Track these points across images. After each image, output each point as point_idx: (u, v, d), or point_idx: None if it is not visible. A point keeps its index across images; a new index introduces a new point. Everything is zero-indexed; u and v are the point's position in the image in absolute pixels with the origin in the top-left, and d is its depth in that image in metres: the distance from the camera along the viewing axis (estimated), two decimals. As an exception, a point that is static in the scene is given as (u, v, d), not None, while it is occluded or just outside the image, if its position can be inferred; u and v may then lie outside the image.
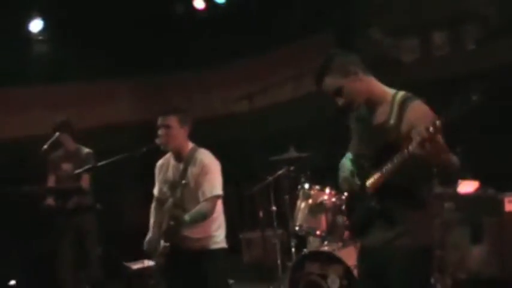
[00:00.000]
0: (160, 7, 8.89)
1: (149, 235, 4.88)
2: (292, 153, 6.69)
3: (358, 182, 3.53)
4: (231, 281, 7.41)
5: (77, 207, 6.82)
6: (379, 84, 3.50)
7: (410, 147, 3.08)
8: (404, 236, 3.36)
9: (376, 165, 3.37)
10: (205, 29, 8.99)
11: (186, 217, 4.53)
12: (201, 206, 4.61)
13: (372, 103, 3.46)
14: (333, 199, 6.04)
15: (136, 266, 6.91)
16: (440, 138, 3.03)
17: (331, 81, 3.43)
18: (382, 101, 3.43)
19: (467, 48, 7.45)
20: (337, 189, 6.13)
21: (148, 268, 6.58)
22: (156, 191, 5.00)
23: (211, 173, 4.69)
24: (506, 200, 5.85)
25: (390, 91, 3.45)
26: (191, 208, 4.63)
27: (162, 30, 9.18)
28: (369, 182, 3.42)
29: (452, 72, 7.15)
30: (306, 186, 6.23)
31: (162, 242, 4.69)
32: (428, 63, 7.67)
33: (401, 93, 3.41)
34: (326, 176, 7.27)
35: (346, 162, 3.72)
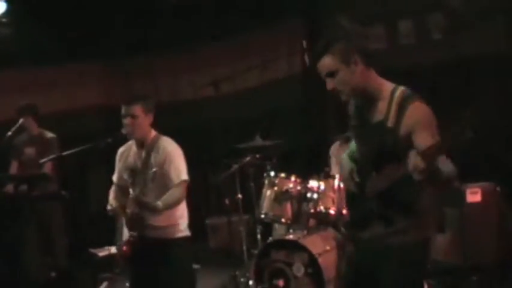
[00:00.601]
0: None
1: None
2: (258, 141, 6.68)
3: (357, 180, 3.48)
4: (196, 266, 7.45)
5: (42, 195, 6.77)
6: (379, 78, 3.38)
7: (409, 169, 3.09)
8: (397, 234, 3.36)
9: (374, 165, 3.34)
10: (174, 13, 8.91)
11: (159, 203, 4.51)
12: (173, 191, 4.62)
13: (370, 98, 3.37)
14: (298, 187, 6.05)
15: (102, 253, 6.88)
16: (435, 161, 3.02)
17: (329, 62, 3.32)
18: (380, 97, 3.33)
19: (433, 37, 7.50)
20: (303, 177, 6.20)
21: (114, 255, 6.57)
22: (115, 178, 4.98)
23: (175, 159, 4.70)
24: (468, 191, 5.98)
25: (389, 86, 3.34)
26: (153, 197, 4.63)
27: (129, 14, 9.09)
28: (368, 186, 3.40)
29: (418, 62, 7.21)
30: (272, 174, 6.23)
31: (126, 231, 4.69)
32: (394, 52, 7.72)
33: (400, 90, 3.30)
34: (292, 163, 7.37)
35: (346, 159, 3.66)
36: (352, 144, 3.69)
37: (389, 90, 3.32)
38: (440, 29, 7.40)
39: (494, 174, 6.28)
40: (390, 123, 3.28)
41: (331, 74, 3.33)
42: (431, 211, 3.48)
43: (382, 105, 3.32)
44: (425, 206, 3.39)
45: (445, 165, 3.16)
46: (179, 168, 4.69)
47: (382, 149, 3.30)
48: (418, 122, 3.18)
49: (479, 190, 6.11)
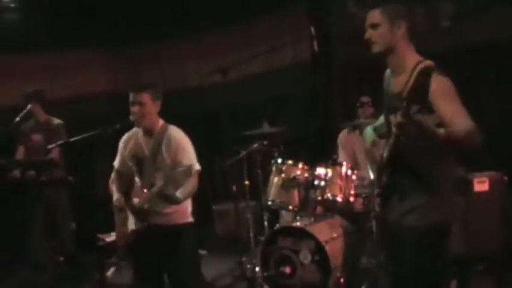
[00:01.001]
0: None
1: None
2: (266, 128, 6.67)
3: (380, 152, 3.53)
4: (203, 252, 7.48)
5: (49, 180, 6.79)
6: (413, 54, 3.46)
7: (393, 130, 3.12)
8: (410, 214, 3.38)
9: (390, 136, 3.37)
10: (179, 0, 8.89)
11: (180, 196, 4.48)
12: (190, 183, 4.56)
13: (397, 68, 3.48)
14: (306, 174, 6.08)
15: (109, 238, 6.90)
16: (419, 120, 2.98)
17: (377, 15, 3.45)
18: (405, 69, 3.40)
19: (442, 25, 7.46)
20: (310, 164, 6.19)
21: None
22: (117, 164, 4.97)
23: (187, 149, 4.69)
24: (475, 180, 5.96)
25: (415, 60, 3.36)
26: (159, 184, 4.62)
27: (134, 0, 9.07)
28: (384, 153, 3.44)
29: (427, 49, 7.16)
30: (279, 161, 6.25)
31: (131, 220, 4.70)
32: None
33: (423, 63, 3.19)
34: (299, 150, 7.36)
35: (369, 131, 3.74)
36: (380, 118, 3.74)
37: (414, 63, 3.33)
38: (449, 16, 7.35)
39: (501, 164, 6.26)
40: (410, 94, 3.22)
41: (374, 26, 3.45)
42: (451, 190, 3.48)
43: (403, 78, 3.36)
44: (444, 182, 3.40)
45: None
46: (191, 158, 4.67)
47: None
48: (435, 92, 3.14)
49: (487, 179, 6.08)
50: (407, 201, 3.40)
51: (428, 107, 3.11)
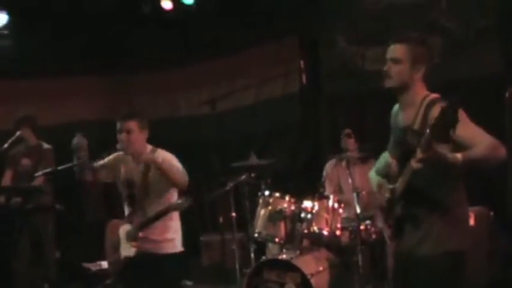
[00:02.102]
0: (128, 5, 8.82)
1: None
2: (254, 160, 6.70)
3: (390, 186, 3.51)
4: (189, 283, 7.44)
5: (35, 207, 6.77)
6: (425, 91, 3.48)
7: (412, 164, 3.14)
8: (426, 242, 3.36)
9: (403, 170, 3.36)
10: (172, 30, 8.94)
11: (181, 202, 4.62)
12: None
13: (407, 103, 3.49)
14: (292, 207, 6.10)
15: (95, 267, 6.89)
16: (441, 153, 3.08)
17: (402, 51, 3.46)
18: (414, 103, 3.44)
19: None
20: (297, 197, 6.21)
21: (106, 270, 6.56)
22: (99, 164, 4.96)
23: (176, 164, 4.73)
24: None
25: (424, 94, 3.45)
26: (153, 207, 4.68)
27: (128, 29, 9.12)
28: (396, 186, 3.44)
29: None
30: (266, 193, 6.27)
31: (125, 244, 4.70)
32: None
33: (431, 96, 3.39)
34: (287, 182, 7.38)
35: (373, 176, 3.74)
36: (379, 161, 3.75)
37: (422, 96, 3.41)
38: (439, 52, 7.43)
39: (487, 198, 6.29)
40: (416, 126, 3.36)
41: (395, 61, 3.45)
42: (466, 216, 3.50)
43: (412, 111, 3.43)
44: (458, 208, 3.42)
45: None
46: (181, 169, 4.71)
47: (408, 153, 3.28)
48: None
49: (472, 214, 6.11)
50: (422, 229, 3.38)
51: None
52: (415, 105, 3.42)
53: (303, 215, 6.05)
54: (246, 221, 6.66)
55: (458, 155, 3.14)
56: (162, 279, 4.71)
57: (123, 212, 4.93)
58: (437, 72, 7.37)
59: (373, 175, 3.77)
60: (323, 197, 6.18)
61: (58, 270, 7.03)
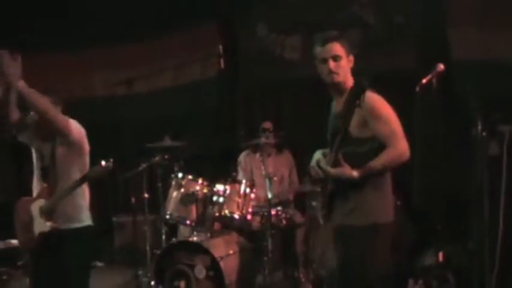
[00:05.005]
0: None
1: None
2: (167, 142, 6.69)
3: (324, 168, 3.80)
4: (100, 264, 7.40)
5: None
6: (352, 80, 3.88)
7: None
8: (354, 213, 3.72)
9: (335, 151, 3.70)
10: (90, 11, 8.78)
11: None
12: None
13: (339, 91, 3.87)
14: (205, 190, 6.15)
15: (3, 245, 6.75)
16: (338, 169, 3.66)
17: (339, 48, 3.84)
18: (345, 91, 3.78)
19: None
20: (210, 181, 6.25)
21: (14, 248, 6.43)
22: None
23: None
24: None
25: (352, 83, 3.82)
26: (62, 181, 4.57)
27: (45, 9, 8.89)
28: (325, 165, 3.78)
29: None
30: (179, 175, 6.28)
31: (38, 220, 4.60)
32: (309, 63, 7.85)
33: (357, 84, 3.63)
34: (201, 166, 7.41)
35: (318, 152, 4.02)
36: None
37: (351, 85, 3.76)
38: (356, 44, 7.59)
39: (394, 189, 6.47)
40: (343, 113, 3.59)
41: (336, 58, 3.82)
42: (390, 192, 3.87)
43: (343, 98, 3.70)
44: (384, 184, 3.81)
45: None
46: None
47: (337, 137, 3.65)
48: (370, 112, 3.65)
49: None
50: (351, 202, 3.74)
51: (360, 140, 3.67)
52: (345, 93, 3.73)
53: (215, 198, 6.10)
54: (158, 203, 6.65)
55: (355, 173, 3.64)
56: (73, 254, 4.62)
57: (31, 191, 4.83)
58: (353, 64, 7.59)
59: (317, 152, 4.03)
60: (235, 181, 6.25)
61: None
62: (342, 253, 3.87)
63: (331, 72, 3.80)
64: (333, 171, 3.68)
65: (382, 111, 3.73)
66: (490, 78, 6.64)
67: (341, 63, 3.82)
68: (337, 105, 3.91)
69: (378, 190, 3.77)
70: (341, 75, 3.82)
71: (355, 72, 3.88)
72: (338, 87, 3.87)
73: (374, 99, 3.71)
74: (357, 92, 3.48)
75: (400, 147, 3.68)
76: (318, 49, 3.89)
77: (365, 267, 3.68)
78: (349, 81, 3.84)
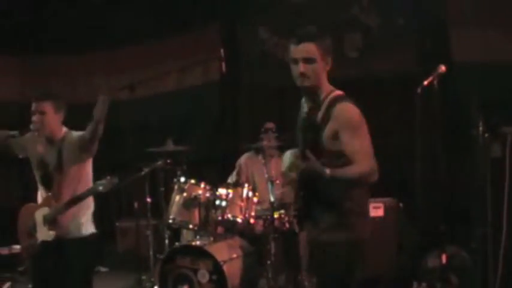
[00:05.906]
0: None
1: None
2: (170, 146, 6.70)
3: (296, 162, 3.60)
4: (104, 269, 7.39)
5: None
6: (329, 85, 3.59)
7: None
8: (329, 230, 3.51)
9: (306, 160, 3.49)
10: (93, 14, 8.80)
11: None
12: None
13: (314, 98, 3.56)
14: (207, 194, 6.14)
15: (4, 251, 6.76)
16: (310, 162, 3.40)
17: (313, 49, 3.47)
18: (319, 96, 3.54)
19: (348, 55, 7.68)
20: (213, 185, 6.25)
21: (17, 254, 6.44)
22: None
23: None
24: (371, 206, 6.06)
25: (329, 90, 3.56)
26: (70, 193, 4.59)
27: (49, 11, 8.92)
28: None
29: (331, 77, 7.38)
30: (182, 179, 6.28)
31: (42, 228, 4.61)
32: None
33: (335, 93, 3.52)
34: (204, 170, 7.41)
35: (288, 155, 3.77)
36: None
37: (327, 91, 3.54)
38: (356, 47, 7.60)
39: (397, 191, 6.49)
40: (318, 120, 3.48)
41: (309, 61, 3.48)
42: (363, 213, 3.65)
43: (316, 104, 3.55)
44: (355, 206, 3.54)
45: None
46: None
47: (309, 146, 3.50)
48: (341, 123, 3.40)
49: (382, 205, 6.29)
50: (325, 216, 3.52)
51: (333, 152, 3.43)
52: (319, 99, 3.54)
53: (217, 202, 6.10)
54: (161, 208, 6.65)
55: (328, 170, 3.36)
56: (76, 263, 4.65)
57: (36, 196, 4.85)
58: (354, 66, 7.62)
59: (287, 155, 3.77)
60: (238, 185, 6.25)
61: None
62: (320, 271, 3.72)
63: (300, 75, 3.48)
64: (304, 165, 3.44)
65: (354, 125, 3.43)
66: (490, 80, 6.65)
67: (314, 66, 3.47)
68: (309, 106, 3.64)
69: (355, 204, 3.54)
70: (312, 79, 3.49)
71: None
72: (307, 92, 3.59)
73: (347, 110, 3.45)
74: (329, 105, 3.40)
75: (365, 166, 3.39)
76: (291, 47, 3.53)
77: (344, 285, 3.55)
78: (324, 86, 3.55)
